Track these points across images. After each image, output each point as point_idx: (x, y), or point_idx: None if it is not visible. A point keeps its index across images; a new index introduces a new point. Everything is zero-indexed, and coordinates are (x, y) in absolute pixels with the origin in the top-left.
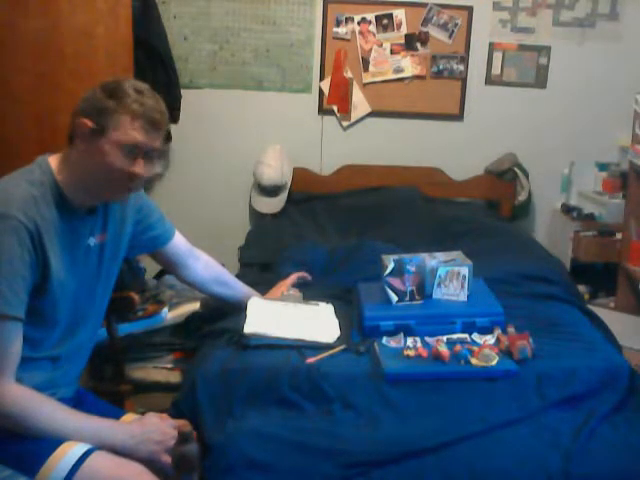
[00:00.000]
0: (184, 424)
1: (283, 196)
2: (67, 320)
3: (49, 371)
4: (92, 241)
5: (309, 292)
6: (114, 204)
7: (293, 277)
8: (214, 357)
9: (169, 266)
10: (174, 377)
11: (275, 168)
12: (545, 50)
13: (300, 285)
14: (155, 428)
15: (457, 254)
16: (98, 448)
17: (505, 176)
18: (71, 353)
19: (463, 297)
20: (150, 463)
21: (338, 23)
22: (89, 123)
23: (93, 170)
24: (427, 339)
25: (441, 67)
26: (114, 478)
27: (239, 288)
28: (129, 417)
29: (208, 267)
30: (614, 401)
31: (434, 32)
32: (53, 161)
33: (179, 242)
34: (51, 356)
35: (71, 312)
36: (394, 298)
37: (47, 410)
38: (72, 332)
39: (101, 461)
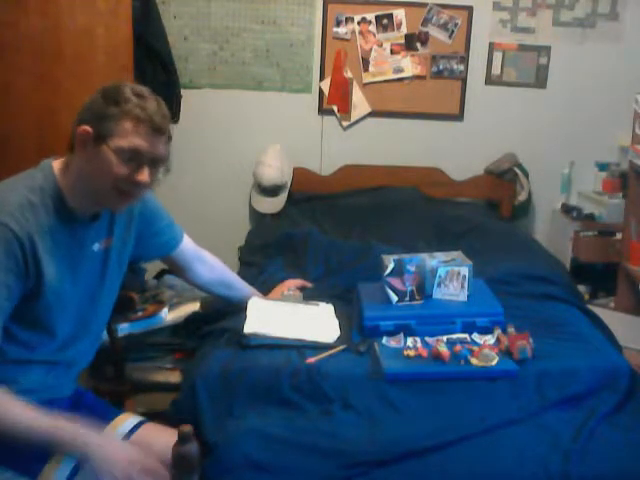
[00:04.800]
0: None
1: (283, 196)
2: (69, 328)
3: (47, 374)
4: (96, 247)
5: (309, 292)
6: None
7: (295, 281)
8: (214, 357)
9: (176, 269)
10: (174, 377)
11: (275, 168)
12: (545, 50)
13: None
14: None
15: (457, 254)
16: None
17: (505, 176)
18: (72, 359)
19: (463, 297)
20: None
21: (338, 23)
22: (89, 130)
23: (94, 177)
24: (427, 339)
25: (441, 67)
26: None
27: (242, 288)
28: (127, 416)
29: (213, 269)
30: (614, 401)
31: (434, 32)
32: (57, 166)
33: (187, 247)
34: (50, 360)
35: (73, 320)
36: (394, 298)
37: (16, 411)
38: (74, 339)
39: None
